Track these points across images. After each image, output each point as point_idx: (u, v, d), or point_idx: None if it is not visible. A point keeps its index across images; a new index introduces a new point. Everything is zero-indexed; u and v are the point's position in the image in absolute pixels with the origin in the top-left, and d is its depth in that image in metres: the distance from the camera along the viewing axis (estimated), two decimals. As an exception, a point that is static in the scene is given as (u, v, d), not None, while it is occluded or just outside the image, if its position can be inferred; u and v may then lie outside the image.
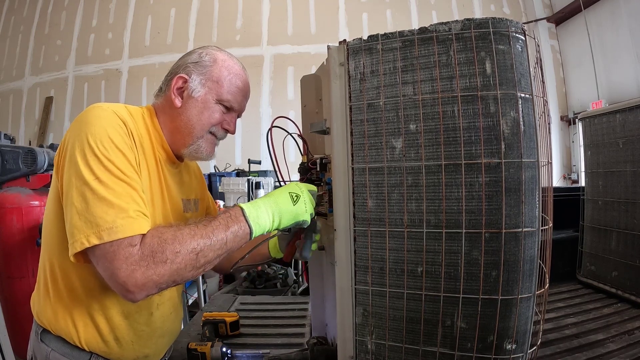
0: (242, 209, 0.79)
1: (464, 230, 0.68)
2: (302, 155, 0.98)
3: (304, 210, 0.83)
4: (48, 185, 2.49)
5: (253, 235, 0.79)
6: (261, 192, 3.63)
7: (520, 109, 0.67)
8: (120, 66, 6.63)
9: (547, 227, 0.72)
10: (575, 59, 5.77)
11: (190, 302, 2.88)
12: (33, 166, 2.38)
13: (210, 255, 0.74)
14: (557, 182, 5.58)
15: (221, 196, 4.14)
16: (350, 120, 0.75)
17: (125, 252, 0.68)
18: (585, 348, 1.17)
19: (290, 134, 0.99)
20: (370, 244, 0.75)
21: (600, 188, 1.70)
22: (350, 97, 0.75)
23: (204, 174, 1.23)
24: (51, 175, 2.43)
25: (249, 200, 3.64)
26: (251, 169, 4.83)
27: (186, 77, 0.91)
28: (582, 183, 1.90)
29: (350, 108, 0.75)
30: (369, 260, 0.75)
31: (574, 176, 5.70)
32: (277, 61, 6.36)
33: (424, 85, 0.70)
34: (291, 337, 1.29)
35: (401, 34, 0.72)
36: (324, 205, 0.90)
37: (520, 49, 0.68)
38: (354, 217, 0.76)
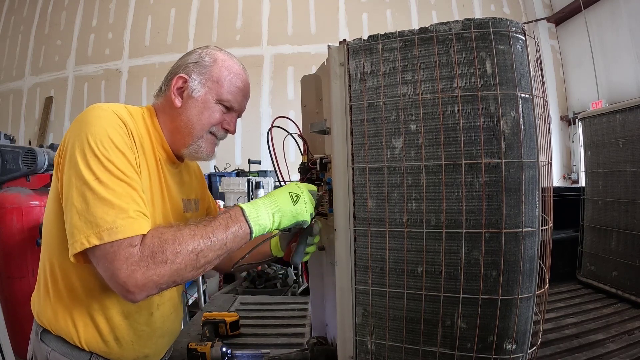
0: (242, 209, 0.79)
1: (464, 230, 0.68)
2: (302, 155, 0.98)
3: (304, 210, 0.83)
4: (48, 185, 2.50)
5: (253, 236, 0.79)
6: (261, 192, 3.63)
7: (521, 109, 0.67)
8: (120, 66, 6.63)
9: (547, 227, 0.72)
10: (575, 59, 5.77)
11: (190, 302, 2.88)
12: (33, 166, 2.38)
13: (211, 255, 0.74)
14: (557, 182, 5.58)
15: (221, 196, 4.14)
16: (351, 120, 0.75)
17: (125, 252, 0.68)
18: (585, 348, 1.17)
19: (291, 134, 0.99)
20: (370, 244, 0.75)
21: (600, 188, 1.70)
22: (350, 97, 0.75)
23: (204, 174, 1.23)
24: (51, 175, 2.43)
25: (249, 200, 3.65)
26: (251, 169, 4.83)
27: (186, 77, 0.91)
28: (582, 183, 1.90)
29: (351, 108, 0.75)
30: (369, 260, 0.75)
31: (574, 176, 5.70)
32: (277, 61, 6.36)
33: (424, 85, 0.70)
34: (291, 337, 1.29)
35: (401, 34, 0.72)
36: (324, 205, 0.90)
37: (520, 49, 0.68)
38: (354, 217, 0.76)
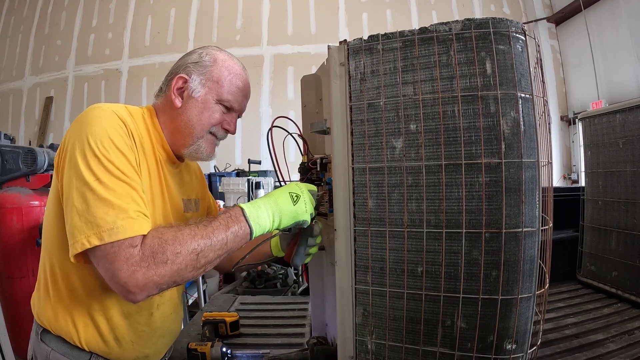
0: (242, 209, 0.79)
1: (464, 230, 0.68)
2: (302, 155, 0.98)
3: (304, 211, 0.83)
4: (48, 185, 2.50)
5: (253, 236, 0.79)
6: (261, 192, 3.64)
7: (521, 109, 0.67)
8: (120, 66, 6.63)
9: (547, 227, 0.72)
10: (575, 59, 5.77)
11: (190, 302, 2.88)
12: (33, 166, 2.38)
13: (211, 255, 0.74)
14: (557, 182, 5.58)
15: (221, 196, 4.14)
16: (351, 120, 0.75)
17: (126, 253, 0.68)
18: (585, 348, 1.17)
19: (291, 134, 0.99)
20: (371, 243, 0.75)
21: (600, 188, 1.70)
22: (350, 97, 0.75)
23: (204, 174, 1.23)
24: (51, 175, 2.44)
25: (249, 200, 3.65)
26: (251, 169, 4.83)
27: (186, 77, 0.91)
28: (582, 183, 1.90)
29: (351, 108, 0.75)
30: (369, 260, 0.75)
31: (574, 176, 5.70)
32: (277, 61, 6.37)
33: (424, 85, 0.70)
34: (291, 337, 1.29)
35: (401, 34, 0.72)
36: (324, 205, 0.90)
37: (520, 49, 0.68)
38: (354, 217, 0.76)
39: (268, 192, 3.89)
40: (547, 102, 0.76)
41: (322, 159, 0.90)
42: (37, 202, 2.35)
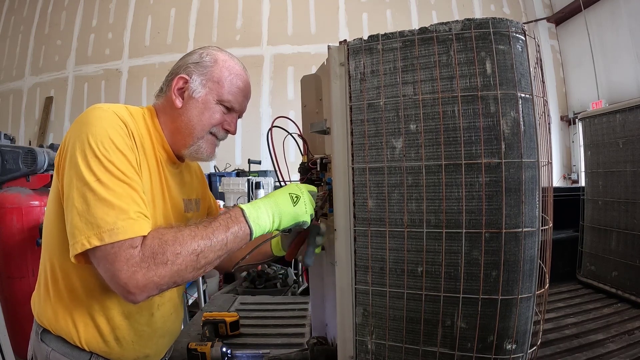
0: (242, 210, 0.79)
1: (464, 230, 0.68)
2: (302, 155, 0.98)
3: (304, 211, 0.83)
4: (48, 185, 2.50)
5: (253, 236, 0.79)
6: (261, 192, 3.63)
7: (521, 109, 0.67)
8: (120, 66, 6.63)
9: (547, 227, 0.72)
10: (575, 59, 5.77)
11: (190, 302, 2.88)
12: (33, 166, 2.38)
13: (211, 256, 0.74)
14: (557, 182, 5.58)
15: (221, 196, 4.14)
16: (351, 120, 0.75)
17: (126, 253, 0.68)
18: (585, 348, 1.17)
19: (291, 134, 0.99)
20: (371, 243, 0.75)
21: (600, 188, 1.70)
22: (350, 97, 0.75)
23: (204, 174, 1.23)
24: (51, 175, 2.44)
25: (249, 201, 3.65)
26: (251, 169, 4.83)
27: (187, 77, 0.91)
28: (582, 183, 1.90)
29: (351, 108, 0.75)
30: (369, 260, 0.75)
31: (574, 176, 5.70)
32: (277, 61, 6.36)
33: (424, 85, 0.70)
34: (291, 337, 1.29)
35: (401, 34, 0.72)
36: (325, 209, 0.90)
37: (520, 49, 0.68)
38: (354, 217, 0.76)
39: (268, 192, 3.90)
40: (547, 102, 0.76)
41: (322, 159, 0.90)
42: (37, 202, 2.35)
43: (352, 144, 0.75)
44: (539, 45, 0.80)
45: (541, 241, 0.70)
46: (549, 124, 0.78)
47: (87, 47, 6.75)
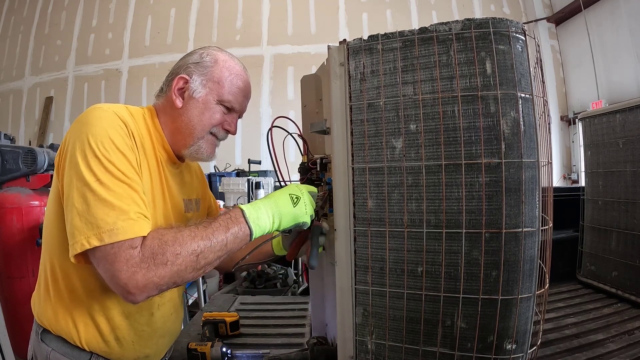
0: (242, 211, 0.79)
1: (464, 230, 0.68)
2: (302, 155, 0.98)
3: (304, 212, 0.83)
4: (48, 185, 2.50)
5: (253, 237, 0.79)
6: (261, 192, 3.63)
7: (521, 109, 0.67)
8: (120, 66, 6.63)
9: (547, 227, 0.72)
10: (575, 59, 5.77)
11: (190, 302, 2.88)
12: (33, 166, 2.38)
13: (211, 256, 0.74)
14: (557, 182, 5.58)
15: (221, 196, 4.14)
16: (351, 120, 0.75)
17: (126, 254, 0.68)
18: (585, 348, 1.17)
19: (291, 134, 0.99)
20: (371, 244, 0.75)
21: (600, 188, 1.70)
22: (350, 97, 0.75)
23: (204, 174, 1.23)
24: (51, 175, 2.44)
25: (249, 201, 3.65)
26: (251, 169, 4.83)
27: (187, 77, 0.91)
28: (582, 183, 1.90)
29: (351, 108, 0.75)
30: (369, 260, 0.75)
31: (574, 176, 5.70)
32: (277, 61, 6.36)
33: (424, 85, 0.70)
34: (291, 337, 1.29)
35: (401, 34, 0.72)
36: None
37: (520, 49, 0.68)
38: (354, 217, 0.76)
39: (268, 192, 3.90)
40: (547, 102, 0.76)
41: (322, 159, 0.90)
42: (37, 202, 2.35)
43: (352, 144, 0.75)
44: (539, 45, 0.80)
45: (541, 241, 0.70)
46: (549, 124, 0.78)
47: (87, 47, 6.75)
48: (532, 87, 0.69)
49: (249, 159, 4.82)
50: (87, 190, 0.71)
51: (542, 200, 0.70)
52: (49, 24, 6.94)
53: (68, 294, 0.83)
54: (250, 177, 3.99)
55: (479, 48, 0.67)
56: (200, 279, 2.76)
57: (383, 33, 0.73)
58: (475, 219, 0.67)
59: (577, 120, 4.25)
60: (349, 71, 0.75)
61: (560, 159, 5.80)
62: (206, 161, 0.98)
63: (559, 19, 5.93)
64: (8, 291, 2.29)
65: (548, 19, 6.04)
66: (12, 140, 3.01)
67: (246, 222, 0.77)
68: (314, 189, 0.89)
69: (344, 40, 0.77)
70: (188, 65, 0.92)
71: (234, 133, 0.97)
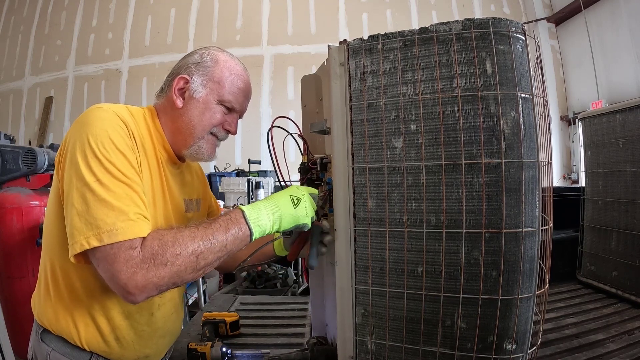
0: (242, 212, 0.79)
1: (464, 230, 0.68)
2: (302, 155, 0.98)
3: (305, 214, 0.83)
4: (48, 185, 2.50)
5: (253, 238, 0.79)
6: (261, 192, 3.63)
7: (521, 109, 0.67)
8: (120, 66, 6.62)
9: (547, 227, 0.72)
10: (575, 59, 5.77)
11: (190, 302, 2.88)
12: (33, 166, 2.38)
13: (211, 257, 0.74)
14: (557, 182, 5.58)
15: (221, 196, 4.15)
16: (351, 120, 0.75)
17: (125, 254, 0.68)
18: (585, 348, 1.17)
19: (291, 134, 0.99)
20: (371, 243, 0.75)
21: (600, 188, 1.70)
22: (350, 97, 0.75)
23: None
24: (51, 175, 2.44)
25: (249, 201, 3.65)
26: (251, 169, 4.83)
27: (187, 77, 0.91)
28: (582, 183, 1.90)
29: (351, 108, 0.75)
30: (369, 260, 0.75)
31: (574, 176, 5.70)
32: (277, 61, 6.36)
33: (424, 85, 0.70)
34: (291, 337, 1.29)
35: (401, 34, 0.72)
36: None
37: (520, 49, 0.68)
38: (354, 217, 0.76)
39: (268, 192, 3.89)
40: (547, 102, 0.76)
41: (322, 159, 0.90)
42: (37, 202, 2.35)
43: (352, 144, 0.75)
44: (539, 45, 0.80)
45: (541, 241, 0.70)
46: (549, 124, 0.78)
47: (87, 47, 6.75)
48: (532, 87, 0.69)
49: (249, 159, 4.82)
50: (87, 190, 0.71)
51: (542, 200, 0.70)
52: (49, 24, 6.94)
53: (68, 294, 0.83)
54: (250, 177, 3.99)
55: (479, 48, 0.67)
56: (200, 279, 2.76)
57: (383, 33, 0.73)
58: (475, 219, 0.67)
59: (577, 120, 4.25)
60: (349, 71, 0.75)
61: (560, 159, 5.80)
62: (207, 161, 0.98)
63: (559, 19, 5.93)
64: (8, 291, 2.29)
65: (548, 19, 6.04)
66: (12, 140, 3.01)
67: (246, 223, 0.77)
68: (314, 190, 0.89)
69: (344, 40, 0.77)
70: (189, 66, 0.92)
71: (235, 133, 0.97)
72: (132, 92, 6.49)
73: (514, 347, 0.69)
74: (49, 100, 6.74)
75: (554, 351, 1.15)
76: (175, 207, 0.94)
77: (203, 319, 1.28)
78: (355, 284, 0.77)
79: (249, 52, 6.28)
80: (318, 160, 0.92)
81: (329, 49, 0.78)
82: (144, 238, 0.71)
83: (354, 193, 0.76)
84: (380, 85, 0.73)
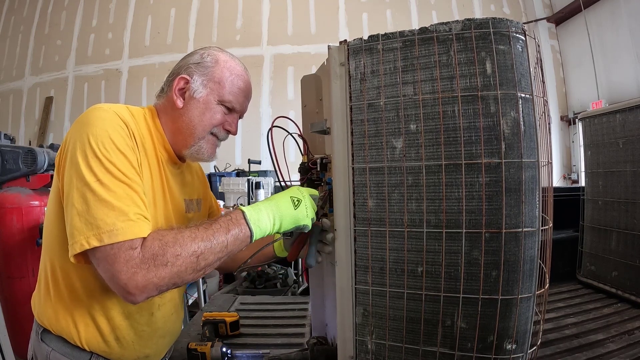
0: (243, 212, 0.79)
1: (464, 230, 0.68)
2: (302, 155, 0.98)
3: (305, 215, 0.83)
4: (48, 185, 2.50)
5: (254, 238, 0.79)
6: (261, 192, 3.63)
7: (521, 109, 0.67)
8: (120, 66, 6.62)
9: (547, 227, 0.72)
10: (575, 59, 5.77)
11: (190, 302, 2.88)
12: (33, 166, 2.38)
13: (211, 258, 0.74)
14: (557, 182, 5.58)
15: (221, 196, 4.14)
16: (351, 120, 0.75)
17: (125, 255, 0.68)
18: (585, 348, 1.17)
19: (291, 134, 0.99)
20: (371, 243, 0.75)
21: (600, 188, 1.70)
22: (350, 97, 0.75)
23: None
24: (51, 175, 2.44)
25: (249, 201, 3.65)
26: (251, 169, 4.83)
27: (188, 77, 0.91)
28: (582, 183, 1.90)
29: (351, 108, 0.75)
30: (369, 260, 0.75)
31: (574, 176, 5.70)
32: (277, 61, 6.36)
33: (424, 85, 0.70)
34: (291, 337, 1.29)
35: (401, 34, 0.72)
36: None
37: (520, 49, 0.68)
38: (354, 217, 0.76)
39: (268, 192, 3.89)
40: (547, 102, 0.76)
41: (322, 159, 0.90)
42: (37, 202, 2.35)
43: (352, 144, 0.75)
44: (539, 45, 0.80)
45: (541, 241, 0.70)
46: (549, 124, 0.78)
47: (87, 47, 6.75)
48: (532, 87, 0.69)
49: (249, 159, 4.82)
50: (87, 190, 0.71)
51: (542, 200, 0.70)
52: (49, 24, 6.93)
53: (68, 294, 0.83)
54: (250, 177, 3.99)
55: (479, 48, 0.67)
56: (200, 279, 2.76)
57: (383, 33, 0.73)
58: (475, 219, 0.67)
59: (577, 120, 4.25)
60: (349, 71, 0.75)
61: (560, 159, 5.80)
62: (207, 161, 0.98)
63: (559, 19, 5.93)
64: (8, 291, 2.29)
65: (548, 19, 6.04)
66: (12, 140, 3.01)
67: (247, 223, 0.77)
68: (315, 191, 0.89)
69: (344, 40, 0.77)
70: (189, 66, 0.92)
71: (235, 133, 0.97)
72: (132, 92, 6.49)
73: (514, 347, 0.69)
74: (49, 100, 6.74)
75: (554, 351, 1.15)
76: (176, 207, 0.94)
77: (203, 319, 1.28)
78: (355, 284, 0.77)
79: (249, 52, 6.28)
80: (318, 160, 0.92)
81: (329, 49, 0.78)
82: (144, 238, 0.71)
83: (354, 193, 0.76)
84: (380, 85, 0.73)
